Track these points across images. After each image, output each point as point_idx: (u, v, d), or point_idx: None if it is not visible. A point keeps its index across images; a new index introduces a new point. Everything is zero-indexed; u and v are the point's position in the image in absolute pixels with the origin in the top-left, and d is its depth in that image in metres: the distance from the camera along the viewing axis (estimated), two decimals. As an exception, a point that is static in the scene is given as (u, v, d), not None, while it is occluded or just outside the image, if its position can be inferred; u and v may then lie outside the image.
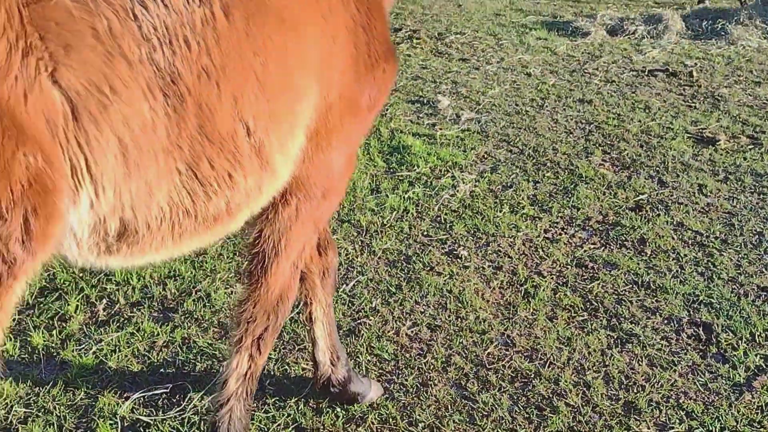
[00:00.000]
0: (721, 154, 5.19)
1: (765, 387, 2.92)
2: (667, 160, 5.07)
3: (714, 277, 3.68)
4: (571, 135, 5.51)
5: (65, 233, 1.68)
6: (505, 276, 3.66)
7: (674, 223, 4.22)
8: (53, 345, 3.03)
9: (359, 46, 2.10)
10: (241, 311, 2.26)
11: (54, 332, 3.10)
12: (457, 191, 4.51)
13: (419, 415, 2.71)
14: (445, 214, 4.24)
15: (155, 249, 1.86)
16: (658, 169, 4.94)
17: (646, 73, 7.06)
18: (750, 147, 5.34)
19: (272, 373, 2.90)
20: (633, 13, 9.20)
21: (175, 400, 2.75)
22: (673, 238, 4.05)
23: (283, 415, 2.68)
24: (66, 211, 1.61)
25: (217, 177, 1.81)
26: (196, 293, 3.39)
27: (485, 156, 5.09)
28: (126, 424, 2.61)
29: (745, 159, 5.11)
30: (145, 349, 3.03)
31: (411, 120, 5.72)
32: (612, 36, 8.37)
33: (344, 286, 3.49)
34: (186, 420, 2.65)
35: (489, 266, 3.74)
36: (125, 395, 2.75)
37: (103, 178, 1.62)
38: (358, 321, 3.25)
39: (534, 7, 10.02)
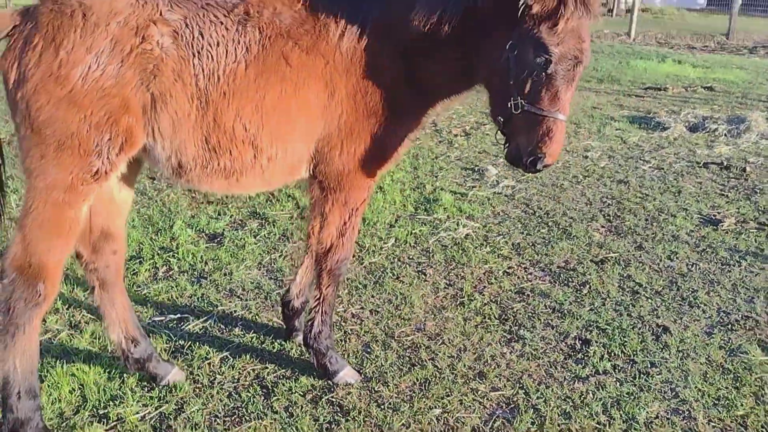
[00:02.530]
0: (719, 234, 5.76)
1: (596, 384, 3.69)
2: (661, 233, 5.76)
3: (623, 313, 4.43)
4: (590, 206, 6.35)
5: (145, 160, 3.13)
6: (453, 291, 4.68)
7: (624, 276, 4.97)
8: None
9: (358, 101, 3.17)
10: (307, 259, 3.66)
11: (126, 280, 4.65)
12: (456, 233, 5.60)
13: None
14: (435, 246, 5.34)
15: (198, 181, 3.18)
16: (645, 237, 5.65)
17: (701, 165, 7.64)
18: (752, 230, 5.84)
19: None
20: (722, 114, 9.67)
21: (190, 325, 4.13)
22: (613, 285, 4.81)
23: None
24: (140, 147, 3.00)
25: (221, 149, 3.07)
26: (224, 269, 4.80)
27: (500, 212, 6.12)
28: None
29: (737, 239, 5.65)
30: (176, 296, 4.47)
31: (457, 182, 6.88)
32: (692, 132, 8.94)
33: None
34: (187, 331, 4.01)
35: (444, 283, 4.78)
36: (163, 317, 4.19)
37: (163, 135, 2.99)
38: (326, 302, 4.47)
39: (637, 103, 10.77)
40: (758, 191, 6.85)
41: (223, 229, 5.44)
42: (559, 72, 2.80)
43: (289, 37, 3.06)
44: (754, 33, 22.59)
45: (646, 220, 6.04)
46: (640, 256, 5.29)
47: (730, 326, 4.32)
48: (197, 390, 3.52)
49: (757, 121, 8.86)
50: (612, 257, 5.25)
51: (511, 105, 2.84)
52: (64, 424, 3.23)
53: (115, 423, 3.26)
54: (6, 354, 2.92)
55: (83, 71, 2.75)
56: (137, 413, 3.32)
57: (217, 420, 3.31)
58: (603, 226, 5.89)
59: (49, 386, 3.45)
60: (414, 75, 3.16)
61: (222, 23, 2.99)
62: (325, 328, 3.57)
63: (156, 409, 3.36)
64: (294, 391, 3.52)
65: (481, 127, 8.98)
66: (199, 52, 2.94)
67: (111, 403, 3.38)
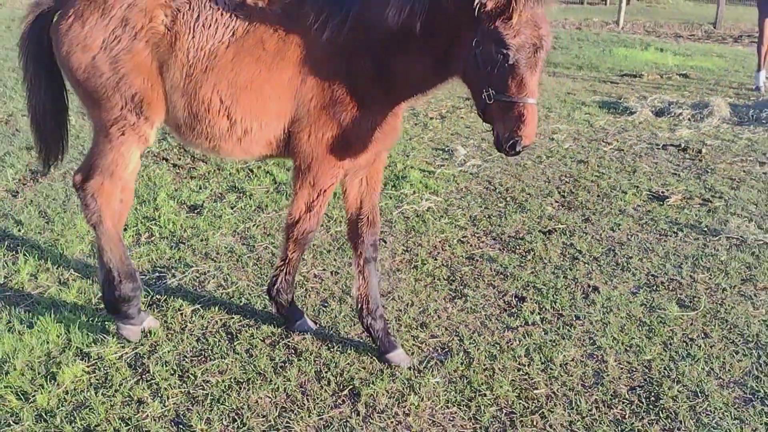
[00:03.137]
0: (663, 209, 6.21)
1: (524, 333, 4.16)
2: (609, 207, 6.21)
3: (561, 275, 4.89)
4: (548, 183, 6.80)
5: (162, 119, 3.66)
6: (408, 256, 5.14)
7: (567, 244, 5.43)
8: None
9: (329, 89, 3.50)
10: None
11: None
12: (419, 206, 6.05)
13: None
14: (397, 218, 5.80)
15: (190, 141, 3.68)
16: (594, 211, 6.11)
17: (660, 147, 8.08)
18: (696, 206, 6.29)
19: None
20: (689, 100, 10.10)
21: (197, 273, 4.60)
22: (555, 252, 5.28)
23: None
24: (158, 105, 3.57)
25: (201, 118, 3.54)
26: (201, 236, 5.27)
27: (463, 189, 6.57)
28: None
29: (679, 213, 6.11)
30: (156, 258, 4.93)
31: (426, 161, 7.33)
32: (657, 117, 9.38)
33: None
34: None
35: (402, 249, 5.24)
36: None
37: (165, 97, 3.55)
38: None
39: (611, 89, 11.20)
40: (709, 171, 7.30)
41: (203, 201, 5.90)
42: (521, 61, 2.99)
43: (272, 24, 3.46)
44: (743, 22, 22.91)
45: (598, 196, 6.50)
46: (586, 228, 5.75)
47: (655, 287, 4.78)
48: (169, 335, 3.99)
49: (720, 106, 9.29)
50: (559, 228, 5.71)
51: (484, 96, 3.07)
52: (51, 361, 3.70)
53: (95, 361, 3.73)
54: (101, 243, 3.82)
55: (103, 42, 3.47)
56: (115, 353, 3.79)
57: (186, 359, 3.79)
58: (557, 201, 6.35)
59: (38, 330, 3.92)
60: (389, 69, 3.38)
61: (218, 8, 3.51)
62: (286, 284, 3.99)
63: (132, 350, 3.84)
64: (255, 337, 3.99)
65: (456, 110, 9.42)
66: (192, 30, 3.46)
67: (93, 345, 3.86)
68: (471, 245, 5.37)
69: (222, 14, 3.49)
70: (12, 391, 3.45)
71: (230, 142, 3.62)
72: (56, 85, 3.87)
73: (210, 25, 3.47)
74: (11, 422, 3.26)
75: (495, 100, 3.05)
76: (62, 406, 3.38)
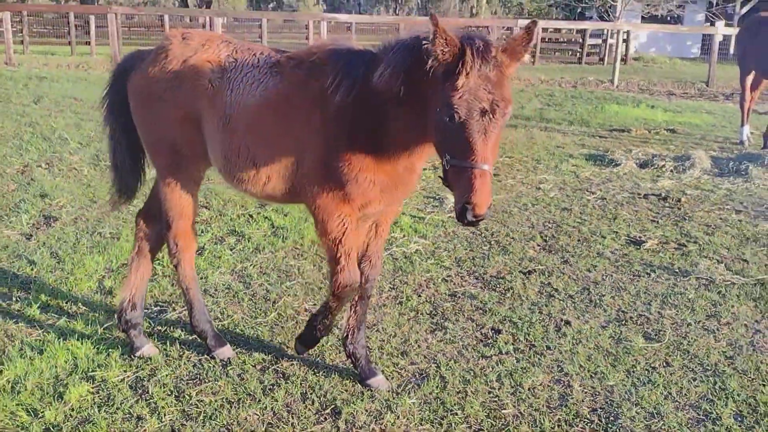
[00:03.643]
0: (639, 252, 6.55)
1: (497, 361, 4.47)
2: (587, 251, 6.56)
3: (536, 310, 5.22)
4: (531, 229, 7.17)
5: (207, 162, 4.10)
6: (394, 293, 5.49)
7: (545, 283, 5.76)
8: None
9: (327, 141, 3.75)
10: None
11: (116, 281, 5.48)
12: (407, 249, 6.42)
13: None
14: (386, 259, 6.16)
15: (230, 183, 4.00)
16: (573, 254, 6.46)
17: (642, 196, 8.47)
18: (671, 250, 6.64)
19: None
20: (675, 153, 10.54)
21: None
22: (533, 290, 5.61)
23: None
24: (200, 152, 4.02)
25: (234, 164, 3.87)
26: (201, 274, 5.63)
27: (450, 233, 6.95)
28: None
29: (654, 256, 6.45)
30: (159, 294, 5.29)
31: (418, 208, 7.74)
32: (641, 168, 9.81)
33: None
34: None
35: (388, 287, 5.59)
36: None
37: (212, 145, 3.92)
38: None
39: (599, 143, 11.67)
40: (687, 218, 7.66)
41: (204, 244, 6.29)
42: (469, 125, 2.96)
43: (296, 83, 3.73)
44: (735, 80, 23.49)
45: (578, 240, 6.86)
46: (564, 269, 6.09)
47: (624, 322, 5.10)
48: (168, 360, 4.33)
49: (701, 158, 9.72)
50: (539, 269, 6.06)
51: (444, 161, 3.11)
52: (58, 383, 4.03)
53: (99, 383, 4.06)
54: (182, 284, 4.39)
55: (159, 96, 3.96)
56: (118, 376, 4.12)
57: (182, 381, 4.11)
58: (538, 245, 6.71)
59: (48, 356, 4.27)
60: (386, 130, 3.49)
61: (257, 67, 3.82)
62: (322, 327, 4.08)
63: (134, 373, 4.17)
64: (246, 363, 4.32)
65: (449, 162, 9.86)
66: (231, 86, 3.83)
67: (97, 368, 4.19)
68: (454, 283, 5.72)
69: (258, 72, 3.80)
70: (23, 408, 3.78)
71: (257, 187, 3.88)
72: (134, 136, 4.28)
73: (248, 81, 3.77)
74: (21, 435, 3.58)
75: (450, 165, 3.07)
76: (68, 421, 3.70)
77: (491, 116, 2.98)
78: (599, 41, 31.45)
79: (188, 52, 3.94)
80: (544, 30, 30.15)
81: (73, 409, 3.80)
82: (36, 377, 4.06)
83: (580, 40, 31.26)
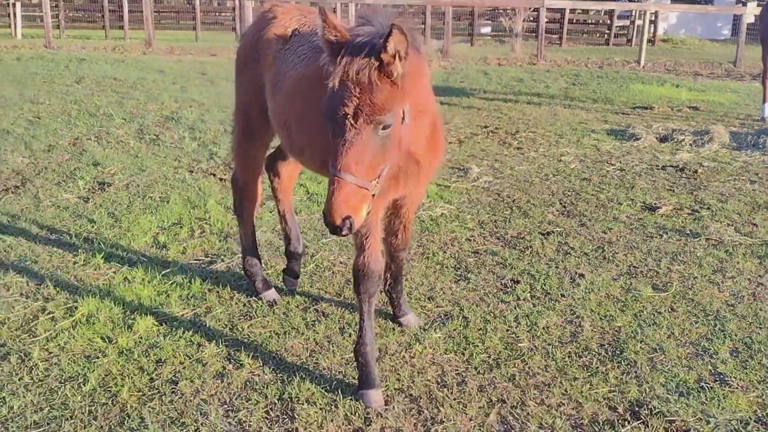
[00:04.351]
0: (653, 217, 6.93)
1: (515, 305, 4.93)
2: (604, 215, 6.96)
3: (553, 265, 5.66)
4: (552, 197, 7.59)
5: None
6: (421, 250, 5.96)
7: (562, 243, 6.19)
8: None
9: None
10: None
11: (168, 238, 6.03)
12: (433, 213, 6.89)
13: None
14: (414, 221, 6.63)
15: (292, 156, 4.43)
16: (590, 218, 6.86)
17: (660, 167, 8.82)
18: (684, 215, 7.01)
19: (261, 263, 5.54)
20: (690, 128, 10.83)
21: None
22: (551, 249, 6.04)
23: (254, 276, 5.30)
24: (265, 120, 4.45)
25: (284, 136, 4.31)
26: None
27: (474, 199, 7.39)
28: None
29: (667, 220, 6.83)
30: (208, 248, 5.83)
31: (443, 177, 8.18)
32: (661, 142, 10.12)
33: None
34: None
35: (416, 245, 6.07)
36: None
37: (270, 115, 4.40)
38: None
39: (621, 120, 11.98)
40: (702, 188, 8.00)
41: (246, 206, 6.81)
42: (326, 125, 3.02)
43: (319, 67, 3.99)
44: (763, 61, 23.50)
45: (596, 206, 7.26)
46: (580, 230, 6.51)
47: (634, 275, 5.52)
48: (221, 300, 4.86)
49: (720, 132, 10.01)
50: (557, 231, 6.48)
51: None
52: (126, 317, 4.59)
53: (162, 317, 4.61)
54: (241, 230, 5.00)
55: (244, 64, 4.55)
56: (178, 313, 4.66)
57: (234, 317, 4.64)
58: (557, 210, 7.13)
59: (115, 296, 4.83)
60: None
61: (304, 44, 4.09)
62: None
63: (192, 310, 4.71)
64: (290, 304, 4.84)
65: (474, 137, 10.30)
66: (280, 59, 4.17)
67: (159, 306, 4.74)
68: (477, 243, 6.17)
69: (302, 48, 4.07)
70: (99, 336, 4.34)
71: (303, 159, 4.18)
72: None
73: (293, 58, 4.05)
74: (99, 356, 4.14)
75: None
76: (138, 346, 4.25)
77: (341, 119, 2.92)
78: (627, 23, 31.40)
79: (264, 24, 4.46)
80: (572, 11, 30.18)
81: (141, 337, 4.35)
82: (107, 312, 4.62)
83: (608, 22, 31.25)
